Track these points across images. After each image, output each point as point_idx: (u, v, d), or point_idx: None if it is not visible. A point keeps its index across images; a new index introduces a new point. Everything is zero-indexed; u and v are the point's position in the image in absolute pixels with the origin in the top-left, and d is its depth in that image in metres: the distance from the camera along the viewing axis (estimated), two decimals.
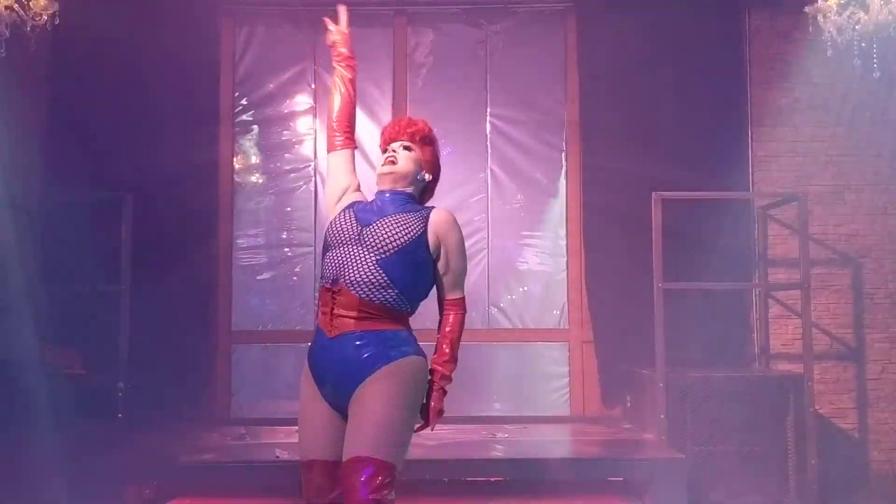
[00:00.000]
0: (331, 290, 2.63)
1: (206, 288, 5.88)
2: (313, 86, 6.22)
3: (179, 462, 4.57)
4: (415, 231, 2.68)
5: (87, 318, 5.33)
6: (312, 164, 6.20)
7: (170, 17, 5.71)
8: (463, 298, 2.77)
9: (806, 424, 4.95)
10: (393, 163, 2.83)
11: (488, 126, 6.25)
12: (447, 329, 2.72)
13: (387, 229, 2.66)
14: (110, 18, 5.70)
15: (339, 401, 2.61)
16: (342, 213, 2.76)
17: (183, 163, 5.67)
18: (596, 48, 5.97)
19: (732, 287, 5.64)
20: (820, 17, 4.49)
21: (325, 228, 2.78)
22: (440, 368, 2.68)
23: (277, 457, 4.46)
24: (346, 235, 2.69)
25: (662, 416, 4.84)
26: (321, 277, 2.72)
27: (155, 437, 5.07)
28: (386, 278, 2.60)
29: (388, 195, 2.81)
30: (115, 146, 5.59)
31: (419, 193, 2.89)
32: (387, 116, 5.95)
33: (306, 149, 6.25)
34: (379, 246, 2.63)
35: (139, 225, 5.13)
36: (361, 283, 2.60)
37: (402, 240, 2.64)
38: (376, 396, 2.54)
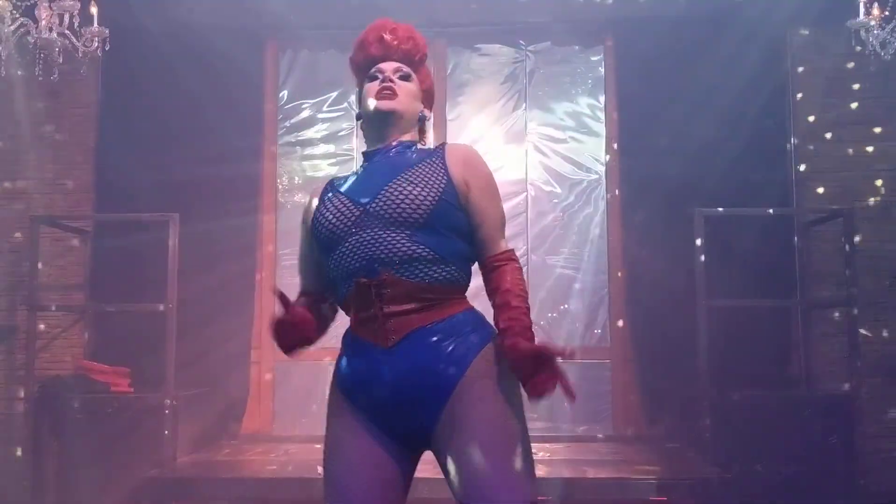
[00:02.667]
0: (370, 284, 1.95)
1: (251, 305, 5.96)
2: (354, 108, 6.29)
3: (225, 479, 4.62)
4: (440, 181, 2.01)
5: (134, 335, 5.45)
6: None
7: (216, 41, 5.83)
8: (513, 250, 2.09)
9: (854, 444, 4.85)
10: (391, 95, 2.13)
11: (528, 144, 6.27)
12: (506, 285, 2.00)
13: (403, 192, 1.98)
14: (158, 43, 5.87)
15: (410, 430, 1.97)
16: (325, 203, 2.08)
17: (228, 183, 5.81)
18: (634, 66, 5.98)
19: (776, 305, 5.56)
20: (862, 32, 4.46)
21: (308, 232, 2.13)
22: (519, 321, 1.94)
23: (320, 473, 4.49)
24: (348, 219, 2.00)
25: (707, 436, 4.79)
26: (334, 278, 2.04)
27: (200, 454, 5.15)
28: (432, 252, 1.96)
29: (384, 151, 2.12)
30: (163, 166, 5.71)
31: (414, 136, 2.20)
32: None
33: (347, 169, 6.33)
34: (402, 217, 1.95)
35: (186, 243, 5.22)
36: (409, 263, 1.94)
37: (429, 199, 1.97)
38: (488, 414, 1.91)
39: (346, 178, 2.15)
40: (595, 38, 6.30)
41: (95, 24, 4.66)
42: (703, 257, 4.99)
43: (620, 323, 6.00)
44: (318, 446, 5.54)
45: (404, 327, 1.95)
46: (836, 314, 5.63)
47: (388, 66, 2.17)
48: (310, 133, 6.37)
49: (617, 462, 4.99)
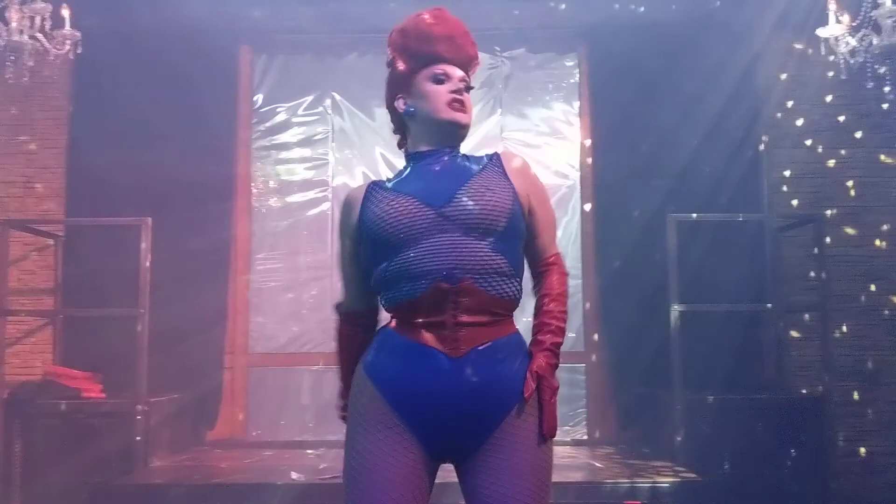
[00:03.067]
0: (449, 289, 1.88)
1: (224, 310, 5.93)
2: (330, 112, 6.29)
3: (197, 485, 4.59)
4: (508, 190, 1.98)
5: (106, 340, 5.40)
6: (328, 188, 6.25)
7: (190, 45, 5.81)
8: (560, 254, 2.11)
9: (825, 447, 4.91)
10: (463, 108, 2.06)
11: (502, 149, 6.27)
12: (553, 288, 2.03)
13: (483, 197, 1.94)
14: (132, 46, 5.82)
15: (453, 442, 1.92)
16: (381, 203, 1.98)
17: (202, 187, 5.78)
18: (608, 72, 6.03)
19: (748, 309, 5.62)
20: (832, 40, 4.52)
21: (353, 243, 2.04)
22: (548, 337, 1.99)
23: (293, 479, 4.48)
24: (424, 221, 1.92)
25: (680, 439, 4.82)
26: (394, 277, 1.93)
27: (172, 460, 5.10)
28: (508, 265, 1.93)
29: (437, 155, 2.05)
30: (136, 170, 5.66)
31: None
32: None
33: (322, 174, 6.31)
34: (485, 223, 1.91)
35: (158, 247, 5.19)
36: (488, 274, 1.90)
37: (506, 210, 1.94)
38: (534, 442, 1.92)
39: (396, 180, 2.05)
40: (570, 45, 6.34)
41: (67, 27, 4.63)
42: (675, 261, 5.02)
43: (595, 328, 6.03)
44: (294, 451, 5.46)
45: (474, 339, 1.90)
46: (808, 318, 5.69)
47: (455, 73, 2.07)
48: (285, 137, 6.34)
49: (590, 466, 5.01)
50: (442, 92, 2.04)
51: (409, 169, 2.07)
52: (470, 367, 1.89)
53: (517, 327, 2.02)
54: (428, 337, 1.91)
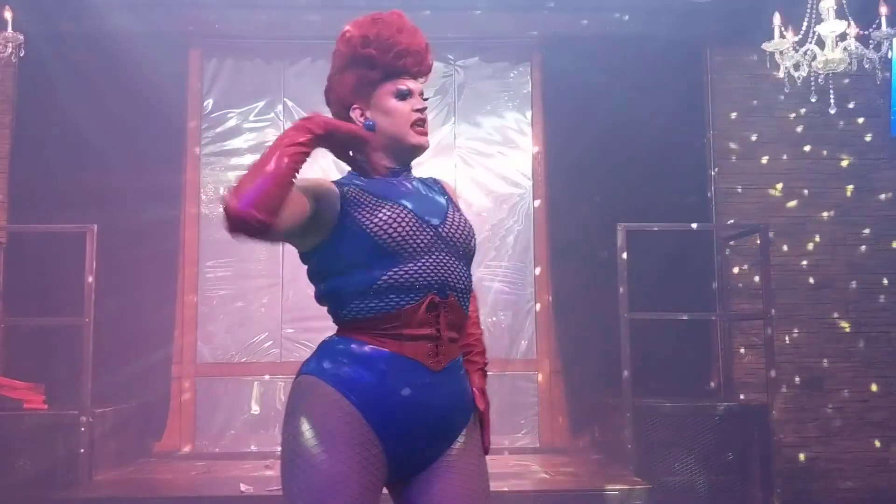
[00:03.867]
0: (440, 303, 1.90)
1: (172, 319, 5.83)
2: (282, 118, 6.23)
3: (143, 498, 4.50)
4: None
5: (50, 350, 5.27)
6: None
7: (138, 48, 5.70)
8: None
9: (770, 454, 4.99)
10: (425, 131, 2.04)
11: (457, 158, 6.30)
12: (473, 313, 2.10)
13: (463, 226, 2.01)
14: (77, 49, 5.71)
15: (416, 459, 1.90)
16: (383, 208, 1.91)
17: (149, 193, 5.67)
18: (560, 83, 6.09)
19: (696, 317, 5.70)
20: (777, 54, 4.61)
21: (366, 227, 1.88)
22: (481, 359, 2.11)
23: (242, 492, 4.41)
24: (425, 237, 1.93)
25: (629, 447, 4.86)
26: (389, 287, 1.87)
27: (118, 473, 4.99)
28: (471, 288, 2.03)
29: (409, 173, 2.07)
30: (80, 177, 5.56)
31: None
32: None
33: None
34: (464, 249, 1.99)
35: (104, 255, 5.08)
36: (466, 292, 1.98)
37: (474, 235, 2.05)
38: (481, 458, 2.00)
39: (371, 189, 1.94)
40: (522, 55, 6.38)
41: (10, 30, 4.52)
42: (624, 270, 5.08)
43: (547, 335, 6.06)
44: (243, 462, 5.38)
45: (451, 354, 1.94)
46: (753, 326, 5.79)
47: (416, 88, 2.02)
48: (236, 143, 6.27)
49: (541, 474, 5.02)
50: (406, 111, 1.99)
51: (372, 181, 1.99)
52: (447, 382, 1.91)
53: None
54: (414, 349, 1.87)
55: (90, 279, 4.94)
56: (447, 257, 1.93)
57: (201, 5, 5.96)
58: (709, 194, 6.04)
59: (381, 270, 1.87)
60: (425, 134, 2.02)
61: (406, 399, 1.85)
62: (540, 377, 6.08)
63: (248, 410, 5.97)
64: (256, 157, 6.30)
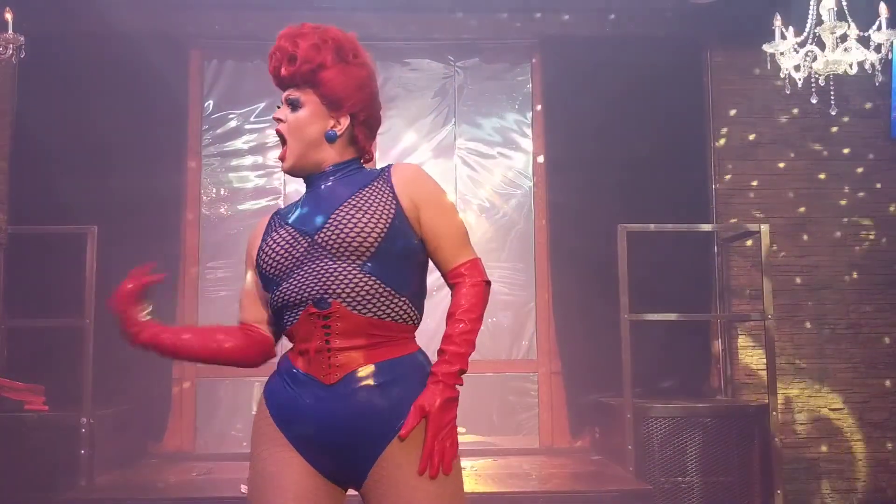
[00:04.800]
0: (318, 314, 1.85)
1: (172, 320, 5.83)
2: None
3: (144, 499, 4.50)
4: (388, 205, 1.89)
5: (51, 352, 5.27)
6: (281, 196, 6.20)
7: (138, 49, 5.71)
8: (475, 261, 1.97)
9: (771, 455, 4.99)
10: (282, 154, 2.01)
11: (457, 159, 6.31)
12: (457, 307, 1.90)
13: (351, 219, 1.86)
14: (77, 51, 5.72)
15: (344, 474, 1.87)
16: (270, 235, 1.97)
17: (150, 195, 5.68)
18: (560, 84, 6.09)
19: (696, 318, 5.71)
20: (777, 55, 4.61)
21: (253, 267, 2.02)
22: (442, 367, 1.86)
23: (243, 493, 4.41)
24: (298, 251, 1.89)
25: (630, 447, 4.87)
26: (278, 308, 1.93)
27: (119, 474, 5.00)
28: (385, 286, 1.86)
29: (324, 176, 1.98)
30: (81, 178, 5.56)
31: (352, 150, 2.02)
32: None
33: (274, 181, 6.25)
34: (352, 246, 1.85)
35: (105, 256, 5.08)
36: (361, 297, 1.84)
37: (376, 231, 1.85)
38: (415, 469, 1.82)
39: (290, 209, 2.01)
40: (523, 56, 6.38)
41: (10, 31, 4.52)
42: (625, 271, 5.08)
43: (547, 336, 6.06)
44: (244, 464, 5.44)
45: (350, 364, 1.84)
46: (754, 327, 5.80)
47: (283, 97, 2.03)
48: (237, 144, 6.27)
49: (542, 475, 5.02)
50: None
51: (302, 195, 2.04)
52: (341, 395, 1.83)
53: (418, 346, 1.95)
54: (303, 363, 1.89)
55: (91, 280, 4.94)
56: (326, 263, 1.85)
57: (201, 7, 5.98)
58: (709, 195, 6.04)
59: (272, 293, 1.95)
60: (282, 159, 2.02)
61: (302, 412, 1.86)
62: (540, 378, 6.08)
63: (248, 412, 5.97)
64: (258, 158, 6.30)
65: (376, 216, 1.86)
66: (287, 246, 1.91)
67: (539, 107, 6.25)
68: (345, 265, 1.85)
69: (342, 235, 1.85)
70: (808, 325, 5.91)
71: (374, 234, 1.85)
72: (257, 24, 6.00)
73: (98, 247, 4.99)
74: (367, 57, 2.06)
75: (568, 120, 6.02)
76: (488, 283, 1.97)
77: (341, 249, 1.85)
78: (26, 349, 5.48)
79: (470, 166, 6.31)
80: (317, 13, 5.81)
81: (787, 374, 5.79)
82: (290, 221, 1.96)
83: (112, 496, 4.54)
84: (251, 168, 6.27)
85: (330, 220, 1.88)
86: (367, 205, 1.88)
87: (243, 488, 4.49)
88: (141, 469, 5.27)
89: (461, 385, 1.88)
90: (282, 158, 2.02)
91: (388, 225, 1.87)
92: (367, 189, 1.92)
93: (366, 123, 2.03)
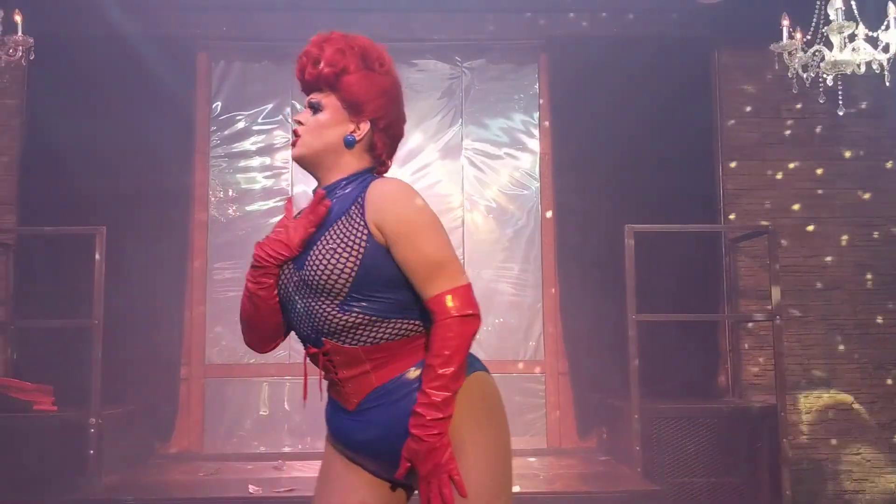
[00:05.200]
0: (319, 352, 1.91)
1: (180, 321, 5.85)
2: (290, 120, 6.25)
3: (151, 499, 4.51)
4: (359, 238, 1.85)
5: (59, 352, 5.29)
6: (288, 197, 6.21)
7: (146, 51, 5.73)
8: (440, 297, 1.83)
9: (779, 456, 4.98)
10: (294, 140, 1.99)
11: (464, 159, 6.31)
12: (429, 348, 1.85)
13: (322, 261, 1.85)
14: (86, 53, 5.74)
15: (381, 475, 1.96)
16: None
17: (158, 196, 5.70)
18: (567, 85, 6.08)
19: (704, 318, 5.69)
20: (785, 55, 4.60)
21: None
22: (416, 421, 1.81)
23: (251, 493, 4.42)
24: (291, 285, 1.93)
25: (638, 448, 4.86)
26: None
27: (127, 474, 5.01)
28: (366, 316, 1.85)
29: (330, 192, 1.96)
30: (90, 179, 5.58)
31: (370, 159, 2.00)
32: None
33: (282, 182, 6.27)
34: (325, 289, 1.85)
35: (113, 257, 5.10)
36: (346, 332, 1.86)
37: (349, 267, 1.83)
38: (464, 470, 1.82)
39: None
40: (529, 56, 6.37)
41: (20, 33, 4.53)
42: (633, 272, 5.07)
43: (555, 337, 6.05)
44: (252, 464, 5.43)
45: (363, 389, 1.89)
46: (761, 328, 5.78)
47: (310, 100, 2.01)
48: (245, 145, 6.29)
49: (549, 476, 5.02)
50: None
51: (311, 191, 2.06)
52: (366, 418, 1.89)
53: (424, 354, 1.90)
54: (332, 391, 1.97)
55: (99, 281, 4.96)
56: (311, 302, 1.88)
57: (209, 8, 5.99)
58: (717, 195, 6.03)
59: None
60: (294, 145, 1.99)
61: (338, 430, 1.97)
62: (547, 378, 6.07)
63: (256, 411, 5.98)
64: (265, 159, 6.32)
65: (346, 254, 1.84)
66: (285, 277, 1.95)
67: (546, 107, 6.24)
68: (325, 305, 1.86)
69: (316, 277, 1.86)
70: (816, 325, 5.89)
71: (345, 276, 1.83)
72: (265, 26, 6.02)
73: (106, 247, 5.01)
74: (393, 67, 2.02)
75: (575, 120, 6.01)
76: (458, 317, 1.82)
77: (318, 290, 1.86)
78: (35, 349, 5.51)
79: (477, 167, 6.31)
80: (323, 14, 5.83)
81: (795, 375, 5.77)
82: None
83: (120, 496, 4.55)
84: (259, 169, 6.28)
85: (311, 258, 1.88)
86: (339, 241, 1.86)
87: (252, 488, 4.51)
88: (148, 469, 5.29)
89: (443, 422, 1.80)
90: (293, 145, 2.00)
91: (357, 262, 1.83)
92: (341, 220, 1.88)
93: (386, 131, 1.99)
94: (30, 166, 5.77)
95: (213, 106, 6.28)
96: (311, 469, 4.16)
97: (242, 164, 6.27)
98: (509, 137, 6.35)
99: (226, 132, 6.28)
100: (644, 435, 4.88)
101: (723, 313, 5.88)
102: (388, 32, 6.07)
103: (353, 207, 1.89)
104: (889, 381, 5.85)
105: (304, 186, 6.11)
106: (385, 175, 2.04)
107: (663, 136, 5.85)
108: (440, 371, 1.79)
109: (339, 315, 1.85)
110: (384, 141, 2.00)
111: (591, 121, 5.93)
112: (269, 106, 6.28)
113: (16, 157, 5.83)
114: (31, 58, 4.65)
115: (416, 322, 1.89)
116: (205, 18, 6.01)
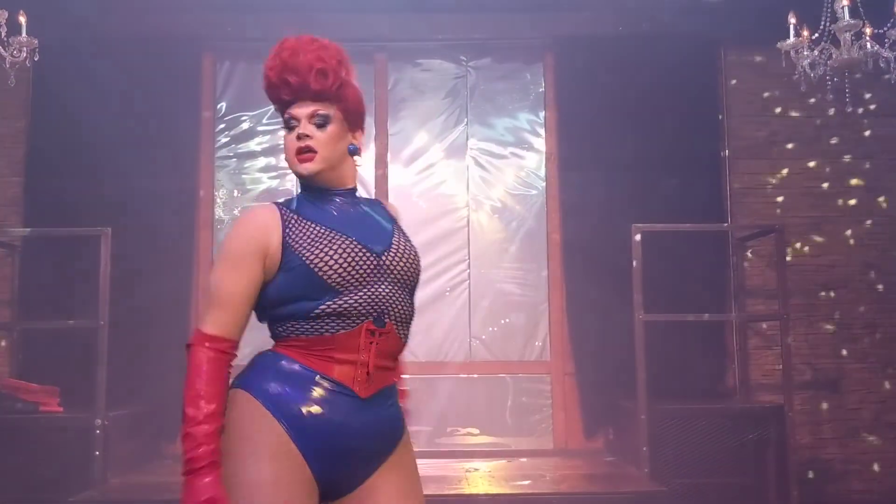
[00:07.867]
0: (376, 331, 1.92)
1: (186, 322, 5.84)
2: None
3: (158, 501, 4.50)
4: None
5: (65, 353, 5.29)
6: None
7: (151, 52, 5.74)
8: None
9: (787, 455, 4.96)
10: (310, 157, 1.97)
11: (469, 159, 6.29)
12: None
13: (407, 254, 2.01)
14: (91, 54, 5.74)
15: (343, 478, 1.94)
16: (326, 237, 1.93)
17: (163, 197, 5.70)
18: (573, 84, 6.06)
19: (711, 318, 5.67)
20: (793, 53, 4.57)
21: (306, 262, 1.90)
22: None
23: None
24: (366, 267, 1.92)
25: (644, 448, 4.84)
26: (321, 315, 1.90)
27: (133, 475, 5.01)
28: (412, 316, 2.05)
29: (350, 194, 2.05)
30: (95, 180, 5.59)
31: (352, 163, 2.09)
32: (368, 154, 5.92)
33: (286, 183, 6.26)
34: (406, 278, 1.99)
35: (119, 258, 5.09)
36: (406, 323, 2.00)
37: (419, 264, 2.07)
38: (415, 471, 2.06)
39: (313, 214, 1.98)
40: (535, 55, 6.35)
41: (24, 34, 4.53)
42: (639, 272, 5.05)
43: (561, 337, 6.03)
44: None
45: (381, 381, 1.95)
46: (769, 327, 5.76)
47: (302, 112, 1.99)
48: (250, 145, 6.28)
49: (556, 477, 5.00)
50: (291, 141, 2.00)
51: (314, 203, 2.02)
52: (376, 407, 1.94)
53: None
54: (342, 373, 1.90)
55: (105, 282, 4.96)
56: (388, 287, 1.94)
57: (213, 9, 5.99)
58: (723, 194, 6.00)
59: (322, 300, 1.90)
60: (308, 160, 1.97)
61: (327, 420, 1.88)
62: (553, 379, 6.06)
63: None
64: (270, 160, 6.28)
65: (416, 253, 2.05)
66: (357, 258, 1.92)
67: (552, 106, 6.21)
68: (402, 291, 1.98)
69: (405, 263, 1.99)
70: (823, 325, 5.86)
71: (420, 267, 2.05)
72: (269, 27, 5.98)
73: (112, 249, 5.01)
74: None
75: (581, 119, 5.99)
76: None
77: (403, 275, 1.98)
78: (41, 351, 5.51)
79: (482, 167, 6.30)
80: (327, 15, 5.83)
81: (803, 375, 5.74)
82: (344, 232, 1.95)
83: (126, 497, 4.55)
84: (264, 170, 6.28)
85: (393, 245, 1.99)
86: (407, 237, 2.07)
87: None
88: (155, 470, 5.27)
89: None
90: (307, 160, 1.98)
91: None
92: (393, 221, 2.09)
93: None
94: (35, 167, 5.78)
95: (218, 107, 6.27)
96: None
97: (248, 164, 6.26)
98: (515, 137, 6.33)
99: (231, 133, 6.27)
100: (651, 435, 4.86)
101: (730, 313, 5.86)
102: (393, 32, 6.08)
103: (390, 216, 2.10)
104: None
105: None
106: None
107: (669, 134, 5.82)
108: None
109: (409, 303, 2.00)
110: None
111: (597, 120, 5.91)
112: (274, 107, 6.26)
113: (21, 158, 5.83)
114: (36, 59, 4.64)
115: None
116: (209, 19, 6.01)
